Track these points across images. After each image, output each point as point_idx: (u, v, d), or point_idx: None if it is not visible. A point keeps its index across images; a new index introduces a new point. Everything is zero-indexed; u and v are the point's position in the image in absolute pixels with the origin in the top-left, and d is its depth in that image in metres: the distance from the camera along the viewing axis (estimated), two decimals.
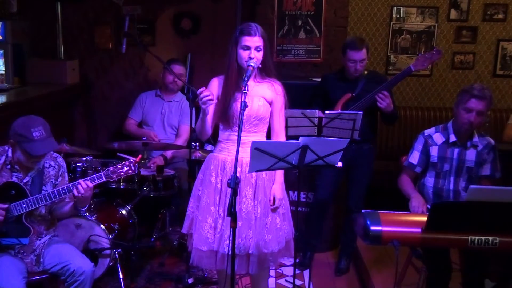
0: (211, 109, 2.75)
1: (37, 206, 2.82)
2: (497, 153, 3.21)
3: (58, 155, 3.05)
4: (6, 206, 2.76)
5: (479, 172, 3.18)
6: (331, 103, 3.76)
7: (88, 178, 2.82)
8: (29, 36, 4.94)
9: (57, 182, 2.96)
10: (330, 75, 4.00)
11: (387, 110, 3.63)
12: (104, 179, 2.82)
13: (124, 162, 2.87)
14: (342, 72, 3.84)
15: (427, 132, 3.25)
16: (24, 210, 2.79)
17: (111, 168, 2.84)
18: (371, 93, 3.62)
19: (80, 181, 2.78)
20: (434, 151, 3.19)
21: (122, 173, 2.84)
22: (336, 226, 4.25)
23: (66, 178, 3.03)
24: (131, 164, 2.85)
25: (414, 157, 3.23)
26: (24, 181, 2.87)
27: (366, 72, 3.80)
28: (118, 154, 4.02)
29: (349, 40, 3.87)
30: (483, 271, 3.02)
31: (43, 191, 2.88)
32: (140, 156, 3.01)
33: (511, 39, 4.99)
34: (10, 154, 2.85)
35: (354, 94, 3.71)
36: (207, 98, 2.62)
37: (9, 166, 2.86)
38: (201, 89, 2.65)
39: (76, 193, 2.76)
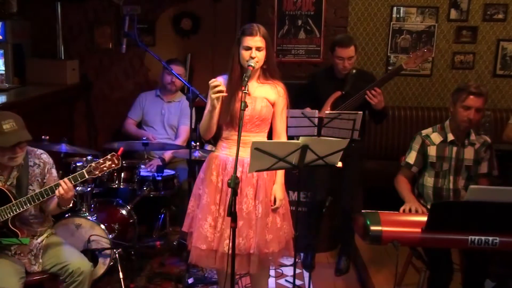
0: (219, 104, 2.73)
1: (22, 210, 2.76)
2: (493, 151, 3.23)
3: (43, 151, 2.99)
4: None
5: (477, 170, 3.18)
6: (320, 102, 3.76)
7: (70, 176, 2.76)
8: (29, 36, 4.94)
9: (44, 180, 2.91)
10: (318, 73, 4.00)
11: (377, 107, 3.63)
12: (87, 177, 2.77)
13: (106, 157, 2.81)
14: (331, 70, 3.86)
15: (424, 132, 3.26)
16: (9, 216, 2.74)
17: (93, 164, 2.79)
18: (361, 90, 3.64)
19: (61, 181, 2.73)
20: (432, 151, 3.19)
21: (105, 168, 2.79)
22: (335, 226, 4.24)
23: (54, 174, 2.96)
24: (114, 158, 2.80)
25: (411, 157, 3.24)
26: (8, 183, 2.81)
27: (354, 71, 3.81)
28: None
29: (338, 38, 3.90)
30: (484, 272, 3.02)
31: (29, 191, 2.83)
32: (121, 149, 2.93)
33: (511, 39, 4.98)
34: None
35: (344, 92, 3.72)
36: (219, 89, 2.63)
37: None
38: (213, 80, 2.66)
39: (57, 193, 2.72)
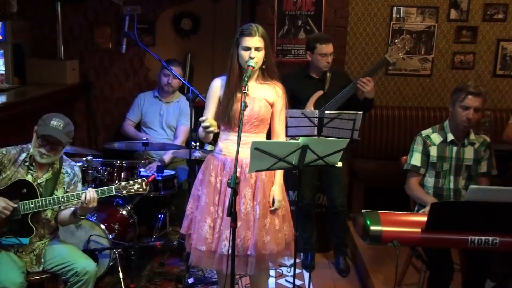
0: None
1: (45, 208, 2.85)
2: (492, 150, 3.23)
3: (75, 164, 3.11)
4: (16, 205, 2.78)
5: (477, 170, 3.18)
6: (300, 102, 3.78)
7: (98, 189, 2.85)
8: (29, 36, 4.94)
9: (68, 190, 2.99)
10: (292, 74, 4.00)
11: (369, 96, 3.71)
12: (114, 193, 2.89)
13: (136, 180, 2.93)
14: (306, 70, 3.88)
15: (424, 132, 3.26)
16: (32, 210, 2.82)
17: (122, 184, 2.91)
18: (341, 88, 3.71)
19: (88, 190, 2.81)
20: (433, 151, 3.19)
21: (133, 190, 2.91)
22: (327, 226, 4.21)
23: (79, 188, 3.05)
24: (143, 183, 2.92)
25: (416, 159, 3.22)
26: (38, 181, 2.90)
27: (329, 74, 3.85)
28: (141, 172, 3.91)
29: (316, 36, 3.95)
30: (484, 272, 3.01)
31: (54, 195, 2.90)
32: (153, 176, 3.09)
33: (511, 39, 4.98)
34: (31, 150, 2.89)
35: (325, 91, 3.78)
36: (210, 130, 2.66)
37: (27, 163, 2.89)
38: (202, 118, 2.69)
39: (82, 199, 2.78)
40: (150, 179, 2.97)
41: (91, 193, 2.80)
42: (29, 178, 2.88)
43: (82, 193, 2.81)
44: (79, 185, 3.07)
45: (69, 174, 3.02)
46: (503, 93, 5.07)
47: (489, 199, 2.48)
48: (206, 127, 2.65)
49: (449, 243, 2.64)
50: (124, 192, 2.90)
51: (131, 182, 2.91)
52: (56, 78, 4.75)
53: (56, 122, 2.84)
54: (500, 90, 5.07)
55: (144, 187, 2.92)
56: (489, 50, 5.00)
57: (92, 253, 3.39)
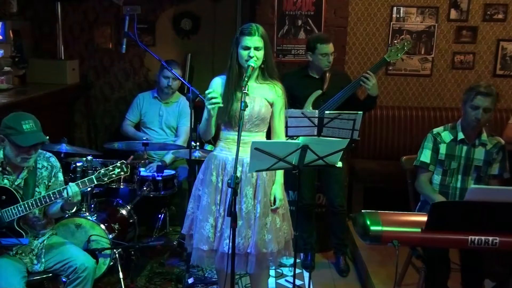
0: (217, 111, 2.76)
1: (28, 211, 2.79)
2: (506, 153, 3.20)
3: (51, 155, 3.02)
4: None
5: (488, 171, 3.17)
6: (298, 101, 3.79)
7: (79, 182, 2.80)
8: (29, 36, 4.94)
9: (50, 183, 2.94)
10: (292, 73, 4.00)
11: (373, 93, 3.70)
12: (96, 183, 2.82)
13: (115, 164, 2.86)
14: (305, 70, 3.88)
15: (436, 130, 3.26)
16: (15, 216, 2.77)
17: (102, 171, 2.83)
18: (341, 89, 3.71)
19: (71, 184, 2.76)
20: (442, 148, 3.19)
21: (114, 175, 2.85)
22: (326, 226, 4.21)
23: (60, 179, 2.99)
24: (123, 165, 2.86)
25: (426, 156, 3.22)
26: (16, 183, 2.84)
27: (328, 74, 3.86)
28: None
29: (316, 35, 3.97)
30: (480, 271, 3.01)
31: (36, 193, 2.86)
32: (131, 157, 3.00)
33: (511, 39, 4.98)
34: (1, 155, 2.82)
35: (324, 91, 3.79)
36: (215, 101, 2.64)
37: (0, 169, 2.83)
38: (208, 91, 2.68)
39: (64, 196, 2.75)
40: (129, 160, 2.91)
41: (72, 188, 2.74)
42: (5, 183, 2.81)
43: (63, 190, 2.75)
44: (60, 175, 2.99)
45: (46, 167, 2.94)
46: (503, 93, 5.07)
47: (489, 199, 2.48)
48: (211, 98, 2.63)
49: (449, 243, 2.64)
50: (106, 179, 2.82)
51: (110, 168, 2.84)
52: (56, 78, 4.76)
53: (29, 125, 2.73)
54: (500, 90, 5.06)
55: (125, 169, 2.85)
56: (489, 50, 5.00)
57: (92, 253, 3.38)
